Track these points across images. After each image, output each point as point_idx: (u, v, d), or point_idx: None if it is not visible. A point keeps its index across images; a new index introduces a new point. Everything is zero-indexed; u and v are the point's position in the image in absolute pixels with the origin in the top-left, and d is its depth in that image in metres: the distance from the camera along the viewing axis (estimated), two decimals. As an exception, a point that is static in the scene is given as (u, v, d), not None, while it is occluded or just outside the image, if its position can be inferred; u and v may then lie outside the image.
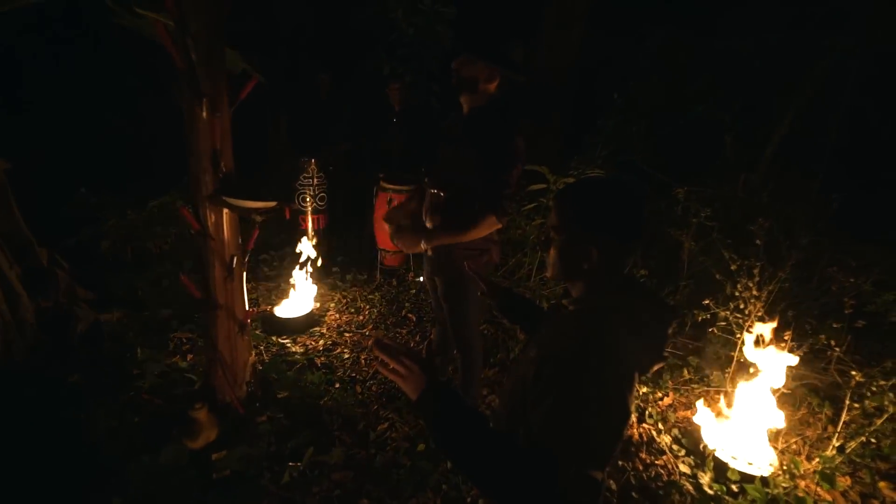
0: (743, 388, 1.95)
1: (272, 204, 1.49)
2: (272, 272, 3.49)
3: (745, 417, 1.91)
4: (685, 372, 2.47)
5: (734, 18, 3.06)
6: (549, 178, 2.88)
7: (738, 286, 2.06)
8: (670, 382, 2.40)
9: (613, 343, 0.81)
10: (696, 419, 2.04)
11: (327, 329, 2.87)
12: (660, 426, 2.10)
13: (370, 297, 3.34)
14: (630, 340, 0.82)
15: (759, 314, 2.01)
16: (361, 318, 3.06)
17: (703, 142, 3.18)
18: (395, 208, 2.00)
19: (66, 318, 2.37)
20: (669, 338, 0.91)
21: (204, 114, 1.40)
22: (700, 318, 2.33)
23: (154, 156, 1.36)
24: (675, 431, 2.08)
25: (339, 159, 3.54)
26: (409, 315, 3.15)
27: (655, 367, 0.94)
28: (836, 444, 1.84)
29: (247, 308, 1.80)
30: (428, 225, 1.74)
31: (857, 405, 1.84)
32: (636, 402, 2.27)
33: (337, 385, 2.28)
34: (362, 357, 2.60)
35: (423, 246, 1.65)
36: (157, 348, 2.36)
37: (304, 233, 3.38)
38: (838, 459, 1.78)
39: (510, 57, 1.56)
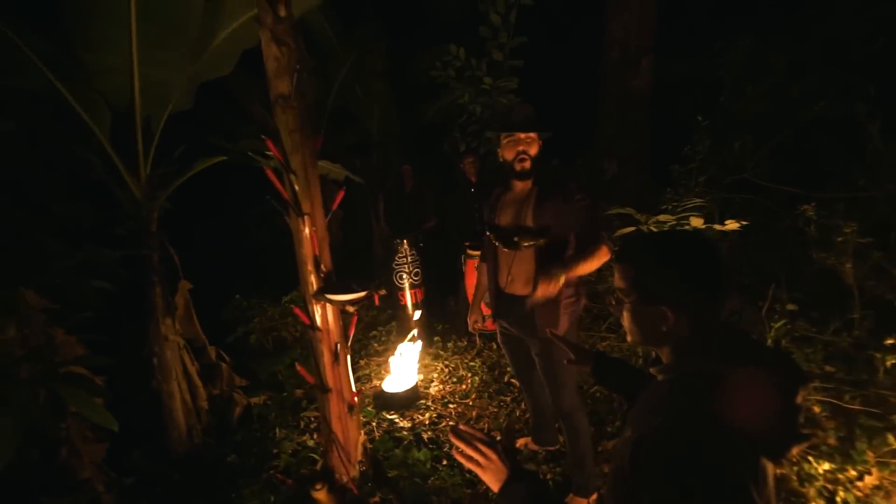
0: None
1: (362, 294, 1.69)
2: (381, 347, 3.76)
3: None
4: (891, 438, 1.82)
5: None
6: (639, 219, 2.66)
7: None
8: (870, 454, 1.79)
9: (713, 423, 0.68)
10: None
11: (432, 401, 2.92)
12: (863, 521, 1.55)
13: (471, 364, 3.34)
14: (737, 417, 0.68)
15: None
16: (464, 387, 3.06)
17: (835, 142, 2.62)
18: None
19: (227, 404, 2.89)
20: (801, 408, 0.73)
21: (306, 229, 1.72)
22: (889, 363, 1.75)
23: (287, 260, 1.73)
24: (893, 530, 1.50)
25: (428, 236, 3.84)
26: (513, 381, 3.03)
27: (796, 449, 0.74)
28: None
29: (353, 390, 1.97)
30: (525, 289, 1.73)
31: None
32: (819, 483, 1.73)
33: (444, 462, 2.25)
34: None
35: (561, 281, 1.54)
36: (291, 427, 2.69)
37: (405, 308, 3.65)
38: None
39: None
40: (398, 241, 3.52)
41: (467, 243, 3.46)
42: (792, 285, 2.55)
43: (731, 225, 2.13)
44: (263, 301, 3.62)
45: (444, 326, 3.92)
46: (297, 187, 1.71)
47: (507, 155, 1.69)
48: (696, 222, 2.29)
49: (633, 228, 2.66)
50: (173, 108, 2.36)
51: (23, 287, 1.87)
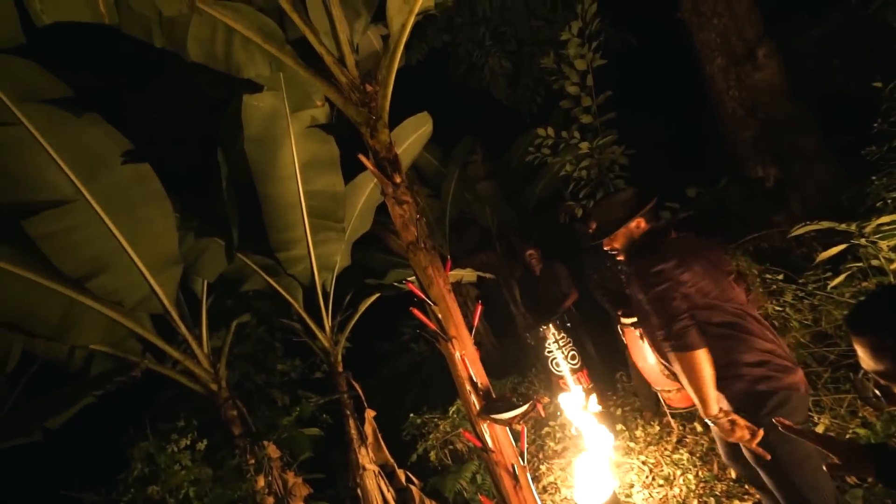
0: None
1: (526, 408, 1.63)
2: (559, 446, 3.43)
3: None
4: None
5: None
6: (847, 230, 2.04)
7: None
8: None
9: None
10: None
11: (641, 513, 2.43)
12: None
13: (675, 457, 2.74)
14: None
15: None
16: (678, 491, 2.48)
17: None
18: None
19: (425, 529, 2.93)
20: None
21: (456, 353, 1.82)
22: None
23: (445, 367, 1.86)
24: None
25: (571, 313, 3.62)
26: (742, 476, 2.34)
27: None
28: None
29: (543, 515, 1.80)
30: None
31: None
32: None
33: None
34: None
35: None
36: (490, 555, 2.52)
37: (568, 396, 3.33)
38: None
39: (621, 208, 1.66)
40: (544, 327, 3.40)
41: (619, 312, 3.12)
42: None
43: None
44: (434, 414, 3.78)
45: (624, 410, 3.41)
46: (439, 315, 1.87)
47: None
48: (948, 219, 1.63)
49: (842, 247, 2.05)
50: (338, 268, 2.98)
51: (265, 442, 2.39)
